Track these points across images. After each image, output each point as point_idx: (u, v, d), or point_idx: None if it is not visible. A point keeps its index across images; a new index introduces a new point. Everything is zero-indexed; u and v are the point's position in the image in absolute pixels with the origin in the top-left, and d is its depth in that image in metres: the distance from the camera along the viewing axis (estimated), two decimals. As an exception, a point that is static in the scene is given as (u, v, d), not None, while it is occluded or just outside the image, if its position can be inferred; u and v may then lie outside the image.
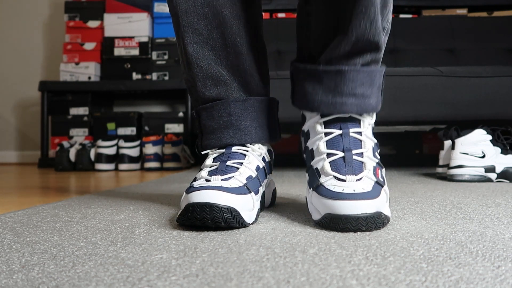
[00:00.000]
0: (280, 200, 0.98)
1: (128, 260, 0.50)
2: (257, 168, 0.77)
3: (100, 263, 0.49)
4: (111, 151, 2.48)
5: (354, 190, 0.65)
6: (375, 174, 0.70)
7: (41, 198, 1.20)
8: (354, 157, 0.70)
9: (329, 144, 0.73)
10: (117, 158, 2.49)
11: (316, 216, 0.68)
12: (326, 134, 0.74)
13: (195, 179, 0.74)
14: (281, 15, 2.79)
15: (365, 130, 0.74)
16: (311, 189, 0.71)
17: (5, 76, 3.29)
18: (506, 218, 0.75)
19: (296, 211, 0.83)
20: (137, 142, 2.52)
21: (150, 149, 2.43)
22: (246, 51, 0.82)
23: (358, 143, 0.72)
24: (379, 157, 0.75)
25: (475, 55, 2.45)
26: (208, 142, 0.81)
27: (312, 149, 0.76)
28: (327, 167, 0.70)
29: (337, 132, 0.73)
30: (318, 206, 0.68)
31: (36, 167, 2.76)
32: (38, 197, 1.24)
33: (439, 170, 1.59)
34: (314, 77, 0.75)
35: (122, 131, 2.76)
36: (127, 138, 2.61)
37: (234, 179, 0.71)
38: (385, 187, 0.70)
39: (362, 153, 0.71)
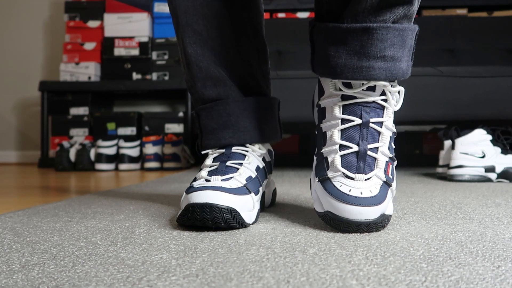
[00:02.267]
0: (280, 200, 0.98)
1: (128, 260, 0.50)
2: (257, 169, 0.77)
3: (100, 263, 0.49)
4: (111, 151, 2.47)
5: (361, 193, 0.63)
6: (386, 172, 0.67)
7: (41, 198, 1.20)
8: (368, 152, 0.66)
9: (344, 135, 0.67)
10: (117, 158, 2.49)
11: (318, 208, 0.67)
12: (344, 121, 0.67)
13: (195, 179, 0.74)
14: (281, 15, 2.79)
15: (387, 120, 0.68)
16: (317, 179, 0.68)
17: (5, 76, 3.29)
18: (506, 218, 0.75)
19: (296, 211, 0.83)
20: (137, 142, 2.51)
21: (150, 149, 2.42)
22: (246, 51, 0.82)
23: (376, 136, 0.67)
24: (394, 146, 0.71)
25: (475, 55, 2.45)
26: (207, 142, 0.81)
27: (325, 132, 0.69)
28: (338, 162, 0.66)
29: (356, 121, 0.66)
30: (322, 199, 0.66)
31: (36, 167, 2.76)
32: (38, 197, 1.24)
33: (439, 170, 1.59)
34: (337, 37, 0.65)
35: (122, 131, 2.76)
36: (127, 138, 2.61)
37: (234, 179, 0.71)
38: (393, 185, 0.67)
39: (377, 148, 0.66)
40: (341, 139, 0.67)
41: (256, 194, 0.73)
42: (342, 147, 0.67)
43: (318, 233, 0.63)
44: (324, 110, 0.70)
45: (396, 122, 0.74)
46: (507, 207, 0.87)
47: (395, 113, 0.73)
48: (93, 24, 2.92)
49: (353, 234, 0.62)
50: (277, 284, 0.41)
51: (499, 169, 1.46)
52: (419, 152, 2.55)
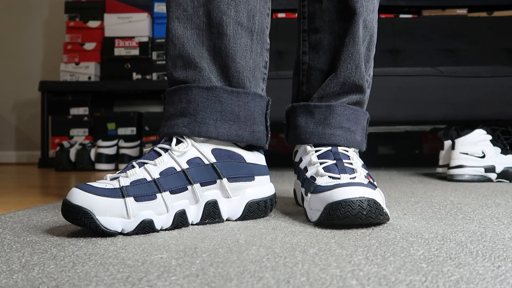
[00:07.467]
0: (280, 200, 0.98)
1: (128, 260, 0.50)
2: (166, 172, 0.68)
3: (100, 263, 0.49)
4: (111, 151, 2.47)
5: (350, 179, 0.70)
6: (367, 179, 0.73)
7: (41, 198, 1.20)
8: (345, 164, 0.74)
9: (320, 157, 0.78)
10: (117, 158, 2.49)
11: (316, 215, 0.68)
12: (317, 151, 0.79)
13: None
14: (281, 15, 2.79)
15: (352, 151, 0.79)
16: (309, 194, 0.72)
17: (5, 76, 3.29)
18: (506, 218, 0.75)
19: (296, 211, 0.83)
20: (137, 142, 2.51)
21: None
22: (233, 32, 0.74)
23: (347, 157, 0.77)
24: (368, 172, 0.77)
25: (475, 55, 2.45)
26: (162, 128, 0.74)
27: (305, 167, 0.78)
28: (321, 170, 0.73)
29: (327, 148, 0.79)
30: (318, 205, 0.68)
31: (36, 167, 2.76)
32: (38, 197, 1.24)
33: (439, 170, 1.59)
34: (307, 111, 0.83)
35: (122, 131, 2.76)
36: (127, 138, 2.60)
37: (118, 180, 0.66)
38: (379, 190, 0.72)
39: (352, 163, 0.75)
40: (319, 159, 0.77)
41: (138, 200, 0.64)
42: (322, 163, 0.76)
43: (318, 233, 0.63)
44: (300, 158, 0.83)
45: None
46: (507, 207, 0.87)
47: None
48: (93, 24, 2.92)
49: (353, 234, 0.62)
50: (277, 284, 0.41)
51: (499, 169, 1.46)
52: (419, 152, 2.55)
